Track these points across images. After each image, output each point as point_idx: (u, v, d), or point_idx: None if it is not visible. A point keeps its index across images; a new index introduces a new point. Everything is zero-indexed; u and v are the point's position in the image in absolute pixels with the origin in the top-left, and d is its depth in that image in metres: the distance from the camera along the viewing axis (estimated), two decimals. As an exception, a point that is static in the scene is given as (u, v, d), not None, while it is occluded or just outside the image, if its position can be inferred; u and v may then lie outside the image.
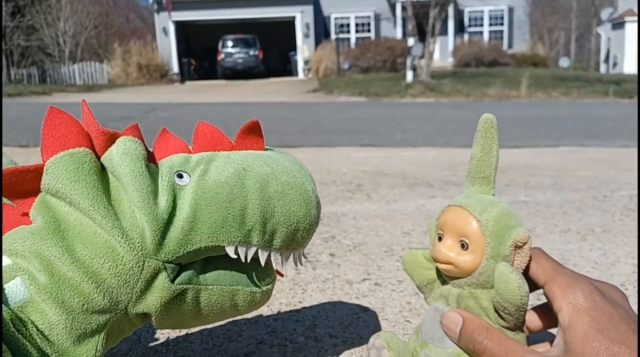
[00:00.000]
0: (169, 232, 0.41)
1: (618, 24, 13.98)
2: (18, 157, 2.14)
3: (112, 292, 0.40)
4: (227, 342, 0.63)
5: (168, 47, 13.95)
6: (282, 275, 0.52)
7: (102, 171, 0.42)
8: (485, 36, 15.06)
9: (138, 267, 0.40)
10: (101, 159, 0.43)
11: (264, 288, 0.48)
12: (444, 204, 0.45)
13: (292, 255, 0.48)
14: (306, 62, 13.65)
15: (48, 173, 0.41)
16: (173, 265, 0.41)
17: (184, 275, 0.42)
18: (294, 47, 14.42)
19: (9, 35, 13.37)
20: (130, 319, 0.42)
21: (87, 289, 0.39)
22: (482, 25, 15.29)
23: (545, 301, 0.42)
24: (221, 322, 0.68)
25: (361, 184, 1.61)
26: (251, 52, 13.75)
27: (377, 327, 0.67)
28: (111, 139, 0.43)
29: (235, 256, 0.43)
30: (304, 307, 0.74)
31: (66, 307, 0.38)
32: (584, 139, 2.94)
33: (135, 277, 0.40)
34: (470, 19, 15.29)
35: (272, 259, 0.46)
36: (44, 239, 0.39)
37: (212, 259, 0.45)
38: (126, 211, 0.40)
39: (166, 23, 13.95)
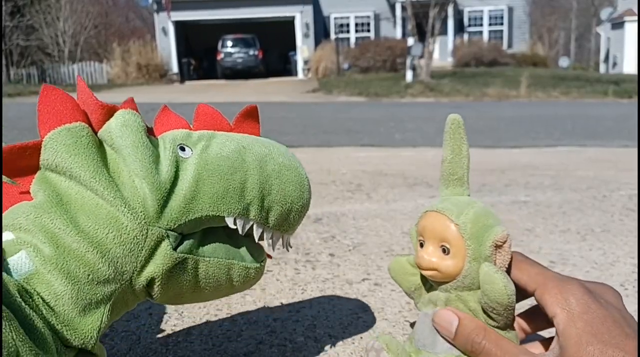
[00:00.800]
0: (171, 200, 0.41)
1: (618, 24, 13.99)
2: (17, 157, 2.14)
3: (117, 261, 0.40)
4: (226, 342, 0.63)
5: (168, 47, 13.95)
6: (270, 257, 0.53)
7: (100, 145, 0.43)
8: (485, 36, 15.06)
9: (142, 235, 0.40)
10: (98, 133, 0.43)
11: (257, 264, 0.49)
12: (421, 209, 0.45)
13: (281, 238, 0.50)
14: (306, 62, 13.64)
15: (47, 148, 0.41)
16: (175, 233, 0.42)
17: (185, 244, 0.43)
18: (293, 47, 14.41)
19: (9, 35, 13.36)
20: (134, 291, 0.42)
21: (92, 259, 0.39)
22: (481, 25, 15.29)
23: (529, 306, 0.42)
24: (220, 323, 0.69)
25: (361, 184, 1.61)
26: (251, 52, 13.74)
27: (376, 327, 0.67)
28: (109, 112, 0.43)
29: (234, 227, 0.44)
30: (304, 307, 0.74)
31: (72, 277, 0.38)
32: (584, 139, 2.94)
33: (140, 246, 0.40)
34: (469, 19, 15.29)
35: (264, 236, 0.47)
36: (47, 212, 0.39)
37: (210, 233, 0.45)
38: (126, 182, 0.41)
39: (166, 23, 13.95)
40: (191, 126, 0.48)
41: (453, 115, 0.46)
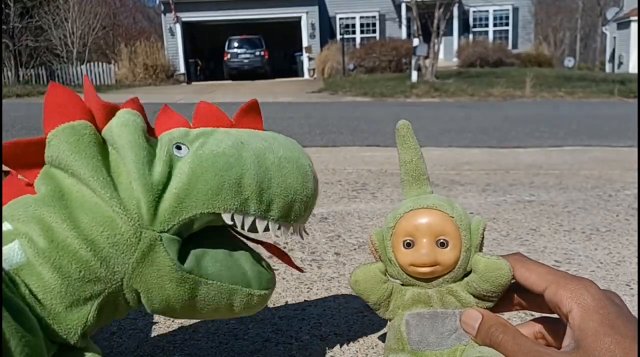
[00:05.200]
0: (163, 201, 0.42)
1: (623, 24, 13.91)
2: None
3: (110, 261, 0.40)
4: (233, 340, 0.64)
5: (175, 48, 13.98)
6: (302, 238, 0.53)
7: (103, 144, 0.43)
8: (490, 36, 15.00)
9: (135, 237, 0.41)
10: (102, 132, 0.44)
11: (262, 292, 0.48)
12: (396, 211, 0.44)
13: (291, 228, 0.49)
14: (310, 59, 13.64)
15: (50, 145, 0.42)
16: (170, 235, 0.42)
17: (189, 263, 0.43)
18: (299, 48, 14.41)
19: (18, 36, 13.43)
20: (125, 295, 0.42)
21: (85, 256, 0.39)
22: (486, 25, 15.23)
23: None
24: (227, 321, 0.69)
25: (366, 184, 1.61)
26: (257, 53, 13.75)
27: (382, 326, 0.68)
28: (112, 112, 0.44)
29: (231, 222, 0.44)
30: (310, 306, 0.74)
31: (63, 272, 0.39)
32: (589, 139, 2.93)
33: (133, 248, 0.41)
34: (475, 19, 15.23)
35: (270, 228, 0.46)
36: (47, 205, 0.40)
37: (216, 255, 0.45)
38: (124, 183, 0.41)
39: (173, 24, 13.98)
40: (191, 124, 0.48)
41: (404, 121, 0.47)
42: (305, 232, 0.52)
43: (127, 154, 0.42)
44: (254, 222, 0.45)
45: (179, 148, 0.44)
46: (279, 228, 0.47)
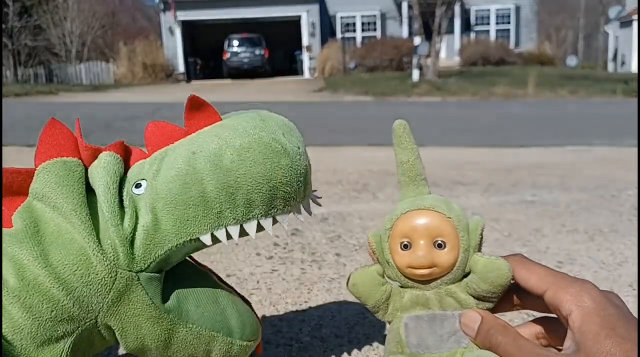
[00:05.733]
0: (135, 242, 0.41)
1: (626, 23, 13.89)
2: (25, 156, 2.15)
3: (83, 300, 0.39)
4: (232, 342, 0.63)
5: (174, 47, 13.99)
6: (310, 213, 0.49)
7: (89, 185, 0.43)
8: (492, 35, 14.99)
9: (110, 277, 0.40)
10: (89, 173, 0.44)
11: (244, 342, 0.47)
12: (393, 212, 0.44)
13: (293, 213, 0.46)
14: (311, 58, 13.64)
15: (39, 177, 0.42)
16: (148, 274, 0.41)
17: (169, 303, 0.42)
18: (299, 47, 14.41)
19: (17, 36, 13.45)
20: (100, 331, 0.42)
21: (57, 296, 0.39)
22: (488, 23, 15.22)
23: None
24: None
25: (367, 184, 1.61)
26: (257, 52, 13.76)
27: (382, 327, 0.67)
28: (94, 154, 0.44)
29: (211, 243, 0.42)
30: (310, 307, 0.73)
31: (33, 312, 0.38)
32: (592, 138, 2.92)
33: (107, 287, 0.40)
34: (476, 18, 15.23)
35: (265, 226, 0.43)
36: (20, 242, 0.39)
37: (200, 299, 0.45)
38: (102, 225, 0.41)
39: (172, 23, 13.99)
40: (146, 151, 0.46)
41: (400, 121, 0.47)
42: (317, 203, 0.49)
43: (101, 197, 0.41)
44: (241, 229, 0.43)
45: (138, 186, 0.43)
46: (274, 222, 0.45)
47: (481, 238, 0.43)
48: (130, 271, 0.40)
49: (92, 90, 9.74)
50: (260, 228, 0.44)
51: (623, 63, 13.98)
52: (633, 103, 5.82)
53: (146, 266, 0.41)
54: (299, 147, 0.45)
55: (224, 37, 13.96)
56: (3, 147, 2.42)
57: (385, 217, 0.44)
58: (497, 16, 15.23)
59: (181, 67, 14.02)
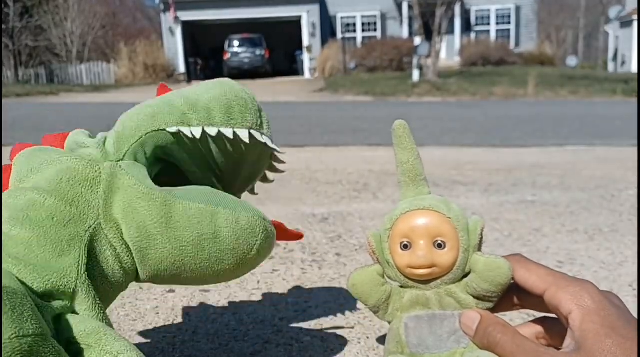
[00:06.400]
0: (108, 144, 0.46)
1: (626, 23, 13.89)
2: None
3: (78, 200, 0.42)
4: (233, 342, 0.64)
5: (174, 47, 13.99)
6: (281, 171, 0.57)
7: None
8: (492, 35, 14.99)
9: (94, 170, 0.43)
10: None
11: (251, 215, 0.45)
12: (393, 212, 0.44)
13: (258, 134, 0.50)
14: (312, 59, 13.64)
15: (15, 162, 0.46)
16: (128, 161, 0.45)
17: (159, 188, 0.44)
18: (300, 47, 14.42)
19: (17, 36, 13.45)
20: (108, 237, 0.42)
21: (52, 203, 0.41)
22: (489, 24, 15.21)
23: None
24: (227, 322, 0.69)
25: (367, 184, 1.61)
26: (257, 52, 13.76)
27: (382, 327, 0.67)
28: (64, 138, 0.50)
29: (174, 129, 0.46)
30: (310, 307, 0.74)
31: (35, 223, 0.40)
32: (592, 138, 2.92)
33: (97, 181, 0.43)
34: (477, 18, 15.22)
35: (224, 131, 0.48)
36: (21, 181, 0.44)
37: (190, 190, 0.45)
38: (80, 150, 0.46)
39: (172, 23, 13.99)
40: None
41: (400, 121, 0.47)
42: (279, 154, 0.53)
43: (75, 140, 0.47)
44: (203, 132, 0.47)
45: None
46: (236, 135, 0.48)
47: (481, 238, 0.43)
48: (110, 161, 0.44)
49: (92, 91, 9.74)
50: (220, 136, 0.48)
51: (623, 63, 13.97)
52: (633, 103, 5.82)
53: (123, 154, 0.45)
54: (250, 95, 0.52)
55: (225, 38, 13.96)
56: (3, 147, 2.42)
57: (385, 217, 0.44)
58: (498, 16, 15.22)
59: (182, 68, 14.02)
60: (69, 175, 0.43)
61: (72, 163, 0.43)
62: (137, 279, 0.45)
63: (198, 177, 0.50)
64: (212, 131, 0.47)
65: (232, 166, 0.51)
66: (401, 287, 0.45)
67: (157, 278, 0.45)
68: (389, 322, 0.45)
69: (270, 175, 0.56)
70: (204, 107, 0.48)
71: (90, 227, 0.42)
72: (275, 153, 0.53)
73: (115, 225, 0.43)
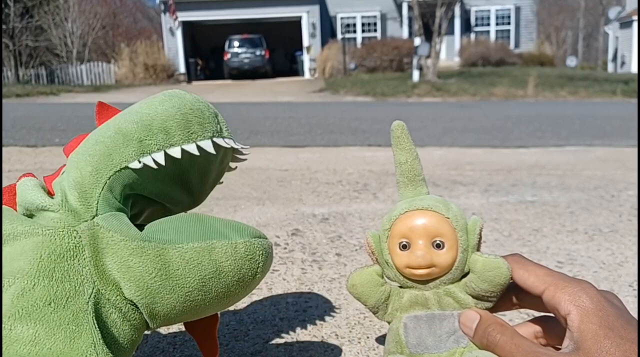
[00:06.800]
0: (71, 199, 0.42)
1: (626, 23, 13.89)
2: (26, 157, 2.15)
3: (69, 275, 0.39)
4: (233, 342, 0.64)
5: (175, 47, 14.00)
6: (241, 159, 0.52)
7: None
8: (492, 35, 14.99)
9: (73, 237, 0.40)
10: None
11: (249, 240, 0.43)
12: (392, 213, 0.44)
13: (223, 141, 0.46)
14: (312, 60, 13.65)
15: None
16: (103, 215, 0.41)
17: (143, 233, 0.41)
18: (300, 47, 14.42)
19: (18, 36, 13.46)
20: (114, 304, 0.40)
21: (43, 289, 0.38)
22: (488, 24, 15.22)
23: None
24: (227, 322, 0.69)
25: (367, 184, 1.61)
26: (257, 52, 13.76)
27: (382, 327, 0.67)
28: (13, 190, 0.45)
29: (139, 165, 0.42)
30: (310, 307, 0.74)
31: (36, 314, 0.37)
32: (592, 139, 2.92)
33: (79, 247, 0.40)
34: (476, 18, 15.23)
35: (187, 148, 0.44)
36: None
37: (175, 223, 0.43)
38: (40, 217, 0.42)
39: (173, 23, 14.00)
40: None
41: (398, 122, 0.47)
42: (242, 151, 0.49)
43: (30, 200, 0.43)
44: (166, 156, 0.43)
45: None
46: (199, 149, 0.44)
47: (480, 238, 0.43)
48: (85, 221, 0.41)
49: (93, 91, 9.74)
50: (185, 154, 0.44)
51: (623, 63, 13.97)
52: (633, 104, 5.82)
53: (95, 209, 0.41)
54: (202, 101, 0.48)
55: (225, 38, 13.96)
56: (3, 148, 2.42)
57: (384, 217, 0.45)
58: (497, 17, 15.23)
59: (182, 68, 14.02)
60: (48, 251, 0.39)
61: (46, 237, 0.40)
62: (148, 328, 0.44)
63: (169, 198, 0.48)
64: (176, 152, 0.43)
65: (199, 176, 0.49)
66: (400, 287, 0.45)
67: (169, 323, 0.44)
68: (389, 323, 0.45)
69: (232, 163, 0.53)
70: (160, 128, 0.43)
71: (90, 296, 0.39)
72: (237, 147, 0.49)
73: (114, 286, 0.41)
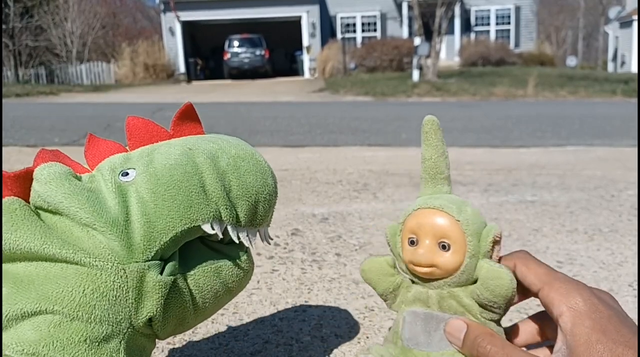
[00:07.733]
0: (134, 231, 0.38)
1: (626, 23, 13.89)
2: (26, 157, 2.15)
3: (109, 314, 0.37)
4: (233, 342, 0.64)
5: (175, 47, 14.00)
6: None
7: (38, 213, 0.39)
8: (492, 35, 14.99)
9: (120, 277, 0.37)
10: (30, 202, 0.40)
11: (244, 257, 0.45)
12: (408, 207, 0.45)
13: (258, 234, 0.46)
14: (312, 60, 13.65)
15: None
16: (157, 261, 0.39)
17: (167, 269, 0.40)
18: (300, 47, 14.42)
19: (18, 36, 13.46)
20: (142, 333, 0.40)
21: (81, 324, 0.36)
22: (488, 24, 15.22)
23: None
24: (227, 322, 0.69)
25: (367, 184, 1.61)
26: (257, 52, 13.76)
27: (383, 327, 0.67)
28: (25, 178, 0.40)
29: (213, 231, 0.41)
30: (310, 307, 0.74)
31: (70, 348, 0.36)
32: (592, 139, 2.92)
33: (124, 289, 0.38)
34: (476, 18, 15.23)
35: (240, 236, 0.43)
36: (13, 303, 0.36)
37: (187, 247, 0.42)
38: (80, 235, 0.38)
39: (173, 23, 14.00)
40: (127, 147, 0.45)
41: (430, 117, 0.46)
42: (270, 237, 0.48)
43: (68, 206, 0.38)
44: (226, 230, 0.42)
45: (125, 174, 0.41)
46: (247, 235, 0.44)
47: (493, 246, 0.42)
48: (137, 262, 0.38)
49: (92, 91, 9.74)
50: (237, 236, 0.43)
51: (623, 63, 13.97)
52: (633, 103, 5.82)
53: (153, 253, 0.38)
54: (275, 174, 0.48)
55: (225, 38, 13.97)
56: (3, 147, 2.42)
57: (402, 211, 0.45)
58: (497, 16, 15.23)
59: (182, 68, 14.03)
60: (92, 287, 0.36)
61: (92, 269, 0.37)
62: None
63: None
64: (233, 234, 0.42)
65: None
66: (411, 281, 0.45)
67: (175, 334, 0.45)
68: (396, 312, 0.46)
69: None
70: (233, 204, 0.42)
71: (125, 335, 0.38)
72: None
73: (146, 322, 0.40)
